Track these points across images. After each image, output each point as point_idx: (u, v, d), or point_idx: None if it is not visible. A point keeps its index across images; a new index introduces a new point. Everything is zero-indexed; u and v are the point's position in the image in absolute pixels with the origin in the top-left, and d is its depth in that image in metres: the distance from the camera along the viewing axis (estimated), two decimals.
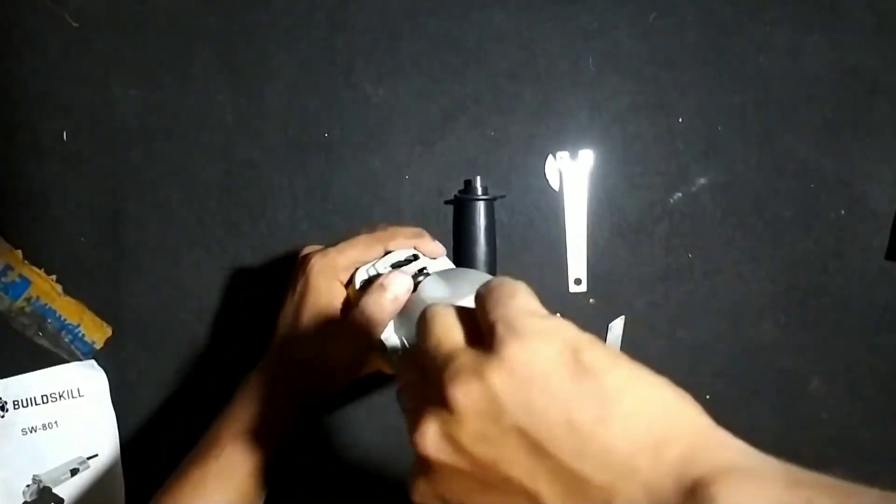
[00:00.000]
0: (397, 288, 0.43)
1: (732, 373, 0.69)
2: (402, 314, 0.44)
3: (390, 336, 0.45)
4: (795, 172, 0.68)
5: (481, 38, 0.68)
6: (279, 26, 0.68)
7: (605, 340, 0.69)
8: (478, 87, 0.68)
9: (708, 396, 0.69)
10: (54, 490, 0.69)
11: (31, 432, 0.69)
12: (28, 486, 0.68)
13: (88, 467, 0.69)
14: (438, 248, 0.49)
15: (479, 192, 0.66)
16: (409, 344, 0.44)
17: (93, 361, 0.70)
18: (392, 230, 0.48)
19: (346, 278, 0.47)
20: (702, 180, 0.68)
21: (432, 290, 0.43)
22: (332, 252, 0.47)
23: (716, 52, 0.67)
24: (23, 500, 0.68)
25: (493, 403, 0.25)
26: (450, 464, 0.27)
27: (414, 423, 0.28)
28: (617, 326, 0.69)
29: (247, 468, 0.47)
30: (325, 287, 0.46)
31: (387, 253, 0.48)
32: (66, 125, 0.69)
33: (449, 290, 0.42)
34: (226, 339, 0.70)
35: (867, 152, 0.68)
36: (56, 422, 0.69)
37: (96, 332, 0.70)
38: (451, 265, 0.50)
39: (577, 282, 0.69)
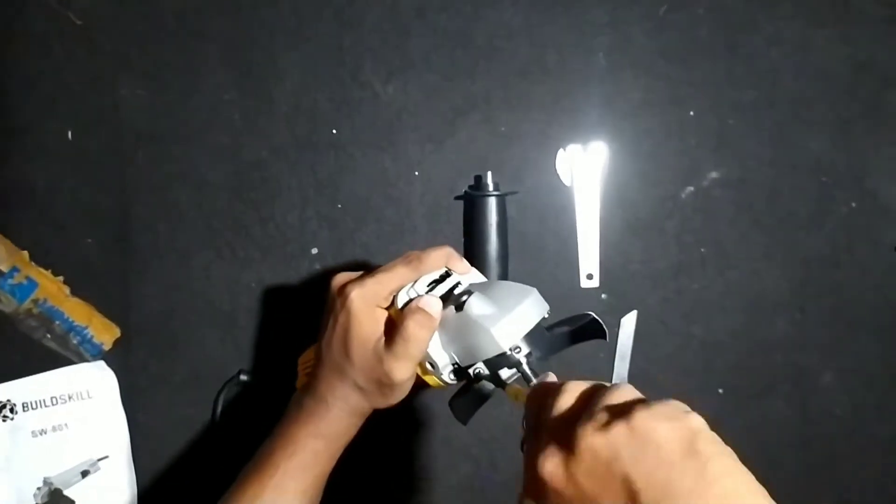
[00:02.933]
0: (433, 309, 0.48)
1: (745, 368, 0.69)
2: (450, 332, 0.49)
3: (436, 352, 0.49)
4: (807, 167, 0.68)
5: (491, 35, 0.67)
6: (287, 25, 0.68)
7: (618, 336, 0.69)
8: (488, 84, 0.68)
9: (721, 391, 0.69)
10: (65, 492, 0.68)
11: (41, 434, 0.68)
12: (39, 488, 0.68)
13: (99, 469, 0.69)
14: (467, 265, 0.53)
15: (490, 189, 0.66)
16: (460, 360, 0.49)
17: (102, 363, 0.69)
18: (422, 255, 0.51)
19: (385, 304, 0.51)
20: (714, 175, 0.68)
21: (479, 308, 0.47)
22: (370, 282, 0.49)
23: (727, 47, 0.67)
24: (34, 503, 0.68)
25: (612, 451, 0.33)
26: (559, 489, 0.34)
27: (538, 446, 0.36)
28: (629, 322, 0.68)
29: (302, 488, 0.51)
30: (368, 315, 0.49)
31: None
32: (73, 126, 0.69)
33: (495, 308, 0.47)
34: (235, 340, 0.70)
35: (879, 147, 0.67)
36: (66, 424, 0.69)
37: (105, 334, 0.69)
38: (481, 278, 0.53)
39: (590, 277, 0.68)
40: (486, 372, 0.48)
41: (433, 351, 0.49)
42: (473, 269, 0.53)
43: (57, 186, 0.69)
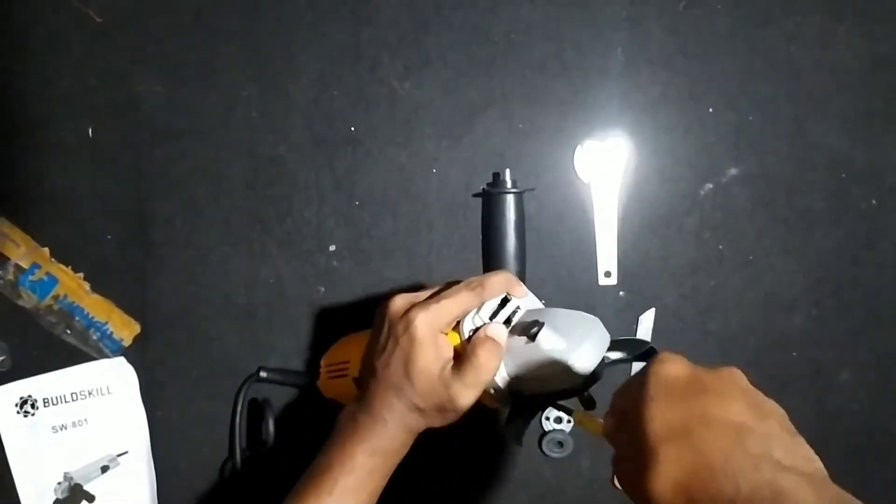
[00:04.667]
0: (501, 338, 0.50)
1: (763, 364, 0.69)
2: (517, 360, 0.50)
3: (501, 379, 0.51)
4: (826, 163, 0.67)
5: (508, 31, 0.67)
6: (304, 21, 0.68)
7: (636, 333, 0.69)
8: (505, 80, 0.68)
9: None
10: (85, 487, 0.69)
11: (61, 430, 0.69)
12: (59, 483, 0.69)
13: (119, 464, 0.69)
14: (523, 288, 0.54)
15: (508, 186, 0.66)
16: (524, 388, 0.51)
17: (122, 359, 0.70)
18: (485, 280, 0.52)
19: (448, 330, 0.52)
20: (733, 171, 0.67)
21: (551, 342, 0.48)
22: (435, 307, 0.50)
23: (746, 42, 0.66)
24: (54, 498, 0.69)
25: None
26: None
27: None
28: (647, 319, 0.68)
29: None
30: (433, 341, 0.50)
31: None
32: (92, 122, 0.69)
33: (564, 342, 0.48)
34: (253, 335, 0.70)
35: None
36: (86, 419, 0.69)
37: (124, 330, 0.70)
38: (537, 302, 0.55)
39: (607, 274, 0.68)
40: (546, 399, 0.50)
41: (498, 378, 0.50)
42: (530, 294, 0.54)
43: (76, 183, 0.69)
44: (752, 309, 0.68)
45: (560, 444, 0.69)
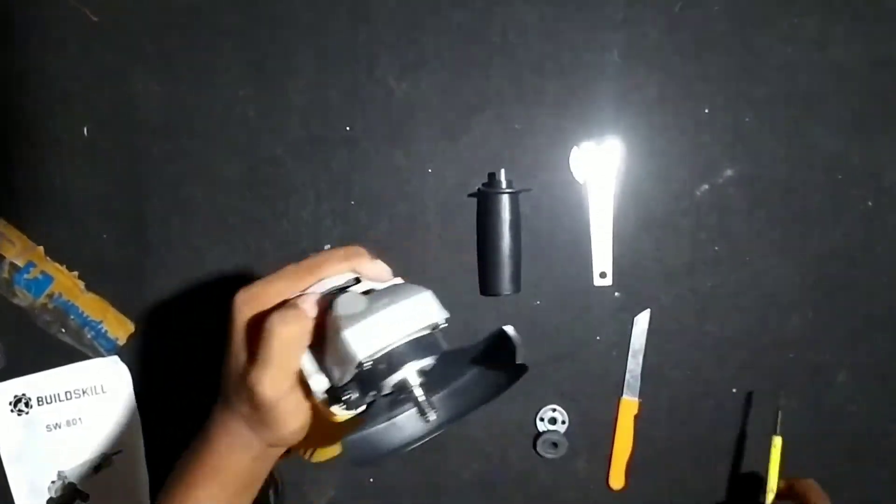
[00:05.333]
0: (304, 304, 0.40)
1: (760, 366, 0.68)
2: (327, 347, 0.39)
3: (309, 360, 0.40)
4: (823, 164, 0.67)
5: (505, 31, 0.67)
6: (301, 21, 0.68)
7: (631, 334, 0.68)
8: (502, 80, 0.68)
9: (734, 390, 0.69)
10: (79, 486, 0.69)
11: (55, 429, 0.69)
12: (53, 481, 0.68)
13: (112, 464, 0.69)
14: (380, 268, 0.43)
15: (504, 186, 0.66)
16: (335, 379, 0.39)
17: (116, 358, 0.70)
18: (323, 254, 0.42)
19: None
20: (729, 172, 0.67)
21: (346, 306, 0.38)
22: (257, 285, 0.42)
23: (743, 43, 0.66)
24: (48, 496, 0.68)
25: None
26: None
27: None
28: (642, 320, 0.68)
29: None
30: (249, 320, 0.41)
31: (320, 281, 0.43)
32: (88, 121, 0.69)
33: (364, 308, 0.38)
34: None
35: None
36: (80, 418, 0.69)
37: (119, 329, 0.70)
38: (400, 283, 0.44)
39: (603, 275, 0.68)
40: (368, 396, 0.39)
41: (306, 361, 0.40)
42: (386, 271, 0.44)
43: (72, 182, 0.69)
44: (749, 310, 0.68)
45: (554, 444, 0.69)
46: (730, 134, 0.67)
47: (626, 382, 0.69)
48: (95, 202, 0.69)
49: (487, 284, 0.67)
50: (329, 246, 0.69)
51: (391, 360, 0.38)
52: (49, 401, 0.69)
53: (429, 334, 0.39)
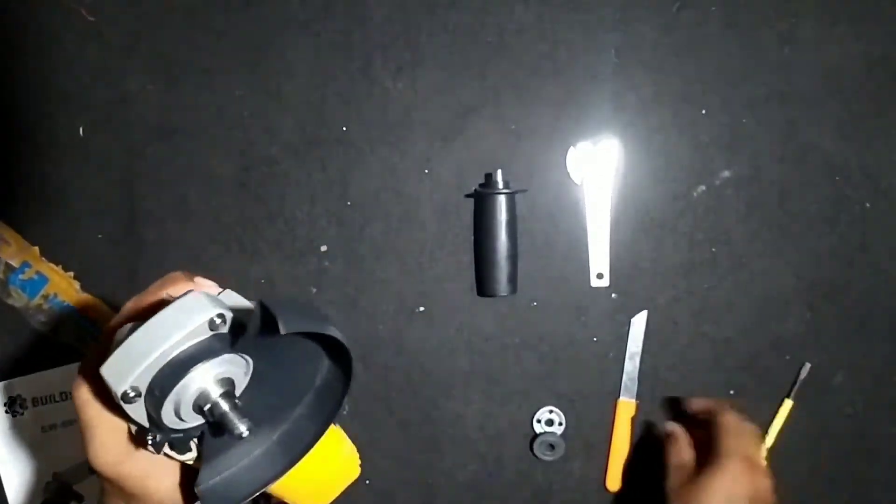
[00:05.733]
0: (89, 355, 0.36)
1: (757, 368, 0.68)
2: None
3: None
4: (820, 165, 0.67)
5: (501, 31, 0.67)
6: (297, 21, 0.68)
7: (628, 335, 0.68)
8: (498, 81, 0.67)
9: (732, 392, 0.68)
10: (74, 487, 0.69)
11: (50, 430, 0.69)
12: (48, 483, 0.68)
13: None
14: (202, 285, 0.39)
15: (500, 186, 0.65)
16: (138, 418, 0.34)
17: None
18: (142, 294, 0.39)
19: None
20: (726, 173, 0.67)
21: (115, 342, 0.34)
22: (91, 348, 0.39)
23: (740, 44, 0.66)
24: (43, 498, 0.68)
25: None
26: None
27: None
28: (639, 321, 0.68)
29: None
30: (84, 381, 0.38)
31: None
32: (84, 121, 0.69)
33: (127, 332, 0.34)
34: None
35: (893, 144, 0.67)
36: (75, 419, 0.69)
37: None
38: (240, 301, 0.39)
39: (600, 276, 0.68)
40: (173, 431, 0.35)
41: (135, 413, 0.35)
42: (214, 289, 0.39)
43: (67, 182, 0.69)
44: (746, 311, 0.68)
45: (551, 446, 0.69)
46: (727, 135, 0.67)
47: (622, 384, 0.69)
48: (91, 202, 0.69)
49: (484, 285, 0.67)
50: (325, 248, 0.69)
51: (163, 382, 0.33)
52: (44, 402, 0.68)
53: (206, 339, 0.34)
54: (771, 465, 0.67)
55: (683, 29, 0.66)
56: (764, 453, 0.65)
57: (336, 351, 0.38)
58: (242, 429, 0.34)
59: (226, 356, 0.34)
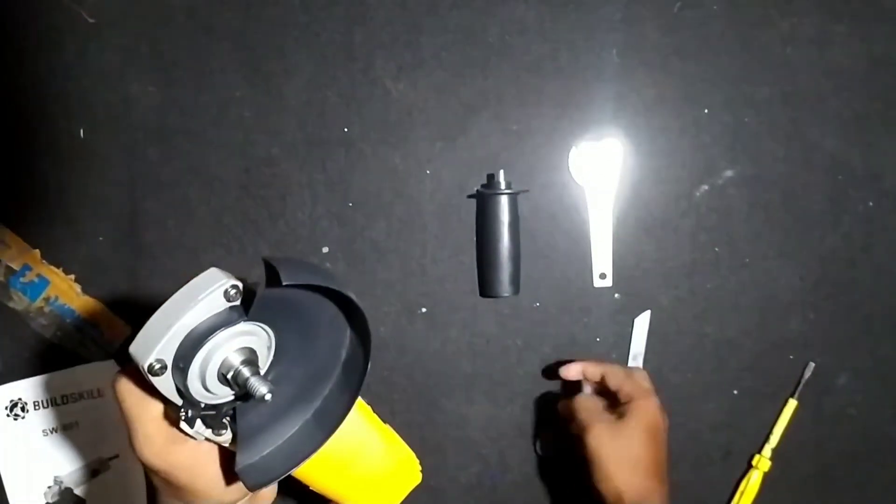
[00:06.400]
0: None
1: (760, 368, 0.68)
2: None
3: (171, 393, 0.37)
4: (823, 165, 0.67)
5: (503, 31, 0.67)
6: (297, 21, 0.68)
7: (631, 336, 0.68)
8: (500, 81, 0.67)
9: (735, 392, 0.68)
10: (75, 491, 0.68)
11: (51, 433, 0.68)
12: (49, 486, 0.68)
13: (109, 468, 0.69)
14: None
15: (502, 187, 0.65)
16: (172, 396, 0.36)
17: (112, 361, 0.69)
18: None
19: None
20: (728, 173, 0.67)
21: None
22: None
23: (742, 44, 0.66)
24: (45, 501, 0.68)
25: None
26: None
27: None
28: (642, 321, 0.68)
29: None
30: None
31: None
32: (84, 123, 0.68)
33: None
34: None
35: None
36: (76, 422, 0.69)
37: (115, 332, 0.69)
38: None
39: (602, 276, 0.68)
40: (202, 404, 0.37)
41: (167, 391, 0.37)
42: None
43: (68, 184, 0.69)
44: (749, 312, 0.68)
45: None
46: (729, 134, 0.67)
47: None
48: (91, 204, 0.69)
49: (486, 286, 0.67)
50: (326, 249, 0.69)
51: (185, 353, 0.35)
52: (45, 405, 0.68)
53: (223, 311, 0.36)
54: (774, 466, 0.67)
55: (685, 29, 0.66)
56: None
57: (355, 318, 0.39)
58: (264, 391, 0.35)
59: (243, 326, 0.35)
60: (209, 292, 0.35)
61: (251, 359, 0.36)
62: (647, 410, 0.58)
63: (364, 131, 0.68)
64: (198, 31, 0.68)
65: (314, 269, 0.36)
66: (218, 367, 0.36)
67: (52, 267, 0.69)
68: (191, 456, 0.40)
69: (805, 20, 0.66)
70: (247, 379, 0.35)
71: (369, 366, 0.40)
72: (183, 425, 0.37)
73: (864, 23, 0.66)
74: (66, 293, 0.68)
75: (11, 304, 0.68)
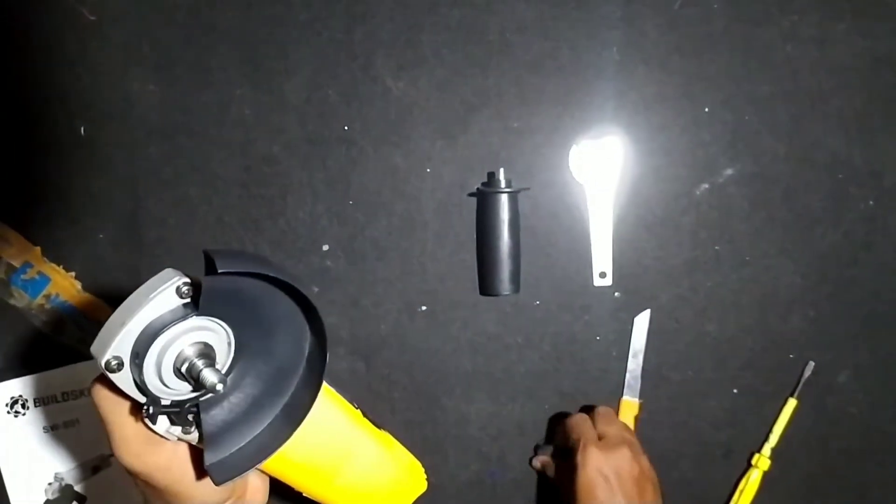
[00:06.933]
0: None
1: (760, 366, 0.68)
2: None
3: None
4: (824, 163, 0.67)
5: (503, 29, 0.67)
6: (298, 20, 0.68)
7: (631, 334, 0.68)
8: (500, 79, 0.67)
9: (735, 390, 0.68)
10: (76, 488, 0.68)
11: (52, 430, 0.68)
12: (50, 483, 0.68)
13: (110, 465, 0.69)
14: None
15: (503, 185, 0.65)
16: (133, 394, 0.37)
17: None
18: None
19: None
20: (729, 171, 0.67)
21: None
22: None
23: (743, 41, 0.66)
24: (45, 498, 0.68)
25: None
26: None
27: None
28: (642, 320, 0.68)
29: None
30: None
31: None
32: (85, 121, 0.69)
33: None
34: None
35: None
36: (77, 419, 0.69)
37: None
38: None
39: (602, 275, 0.68)
40: (162, 400, 0.38)
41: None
42: None
43: (69, 182, 0.69)
44: (749, 310, 0.68)
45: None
46: (730, 133, 0.67)
47: (626, 383, 0.68)
48: (92, 202, 0.69)
49: (486, 284, 0.67)
50: (327, 247, 0.69)
51: (140, 348, 0.36)
52: (46, 402, 0.68)
53: (178, 308, 0.37)
54: (774, 464, 0.67)
55: (686, 26, 0.66)
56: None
57: (309, 311, 0.40)
58: (215, 380, 0.36)
59: (195, 320, 0.37)
60: (161, 290, 0.37)
61: (206, 353, 0.37)
62: (582, 464, 0.57)
63: (365, 129, 0.68)
64: (199, 29, 0.68)
65: (252, 258, 0.37)
66: (173, 361, 0.37)
67: (53, 264, 0.69)
68: (168, 458, 0.40)
69: (806, 18, 0.66)
70: (200, 371, 0.36)
71: (328, 358, 0.40)
72: (147, 422, 0.38)
73: (865, 21, 0.66)
74: (66, 291, 0.69)
75: (12, 302, 0.68)
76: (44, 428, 0.68)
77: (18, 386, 0.68)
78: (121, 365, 0.36)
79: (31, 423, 0.68)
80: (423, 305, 0.69)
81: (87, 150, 0.69)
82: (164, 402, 0.38)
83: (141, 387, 0.37)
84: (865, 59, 0.66)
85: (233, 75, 0.68)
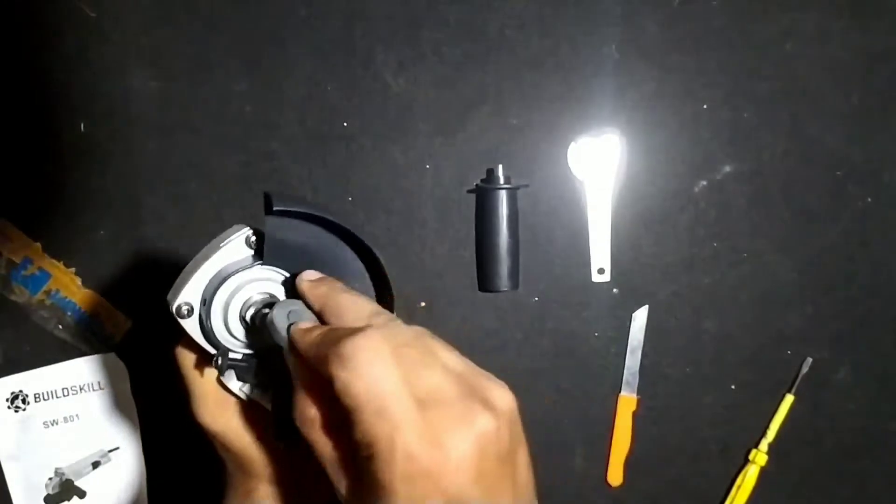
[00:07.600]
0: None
1: (757, 363, 0.68)
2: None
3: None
4: (823, 160, 0.67)
5: (503, 26, 0.67)
6: (297, 16, 0.68)
7: (629, 330, 0.68)
8: (499, 76, 0.67)
9: (733, 387, 0.69)
10: (76, 483, 0.69)
11: (52, 425, 0.69)
12: (50, 478, 0.68)
13: (110, 460, 0.69)
14: None
15: (502, 182, 0.65)
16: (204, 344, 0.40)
17: (113, 354, 0.69)
18: None
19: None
20: (727, 168, 0.67)
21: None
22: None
23: (742, 38, 0.66)
24: (45, 493, 0.68)
25: None
26: None
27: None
28: (641, 316, 0.68)
29: None
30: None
31: None
32: (84, 117, 0.69)
33: None
34: None
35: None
36: (77, 415, 0.69)
37: (116, 325, 0.70)
38: None
39: (601, 271, 0.68)
40: (234, 350, 0.40)
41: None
42: None
43: (69, 178, 0.69)
44: (747, 307, 0.68)
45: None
46: (728, 130, 0.67)
47: (624, 379, 0.69)
48: (92, 198, 0.69)
49: (485, 281, 0.67)
50: None
51: (208, 294, 0.38)
52: (46, 397, 0.69)
53: (246, 258, 0.40)
54: (771, 460, 0.68)
55: (685, 23, 0.66)
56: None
57: (374, 266, 0.42)
58: (284, 333, 0.37)
59: (262, 271, 0.39)
60: (230, 239, 0.40)
61: (271, 302, 0.39)
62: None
63: (364, 126, 0.68)
64: (198, 25, 0.68)
65: (310, 204, 0.40)
66: (239, 308, 0.39)
67: (54, 260, 0.69)
68: (241, 421, 0.42)
69: (805, 15, 0.66)
70: (265, 316, 0.38)
71: (394, 310, 0.41)
72: (218, 377, 0.41)
73: (865, 18, 0.66)
74: (67, 286, 0.69)
75: (13, 297, 0.69)
76: (44, 423, 0.68)
77: (18, 381, 0.68)
78: (191, 311, 0.38)
79: (31, 418, 0.68)
80: (422, 301, 0.69)
81: (87, 145, 0.69)
82: (232, 356, 0.40)
83: (209, 335, 0.39)
84: (864, 57, 0.66)
85: (232, 71, 0.68)
